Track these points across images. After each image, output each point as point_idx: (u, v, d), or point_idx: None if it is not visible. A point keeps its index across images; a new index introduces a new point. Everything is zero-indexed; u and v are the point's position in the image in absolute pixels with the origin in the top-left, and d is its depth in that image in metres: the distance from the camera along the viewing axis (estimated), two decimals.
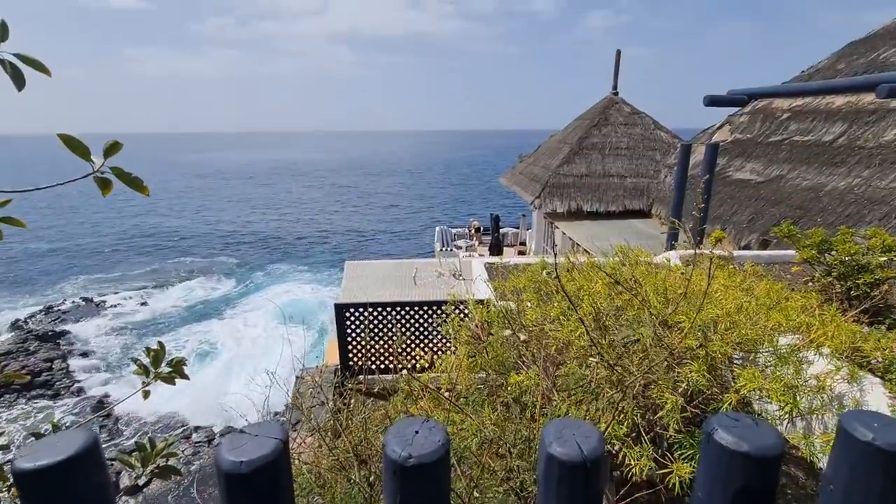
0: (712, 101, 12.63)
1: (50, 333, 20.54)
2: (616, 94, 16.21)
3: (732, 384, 2.37)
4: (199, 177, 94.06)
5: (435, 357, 3.07)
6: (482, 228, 22.92)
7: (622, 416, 1.50)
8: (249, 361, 18.39)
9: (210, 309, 24.02)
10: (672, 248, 5.32)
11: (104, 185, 1.59)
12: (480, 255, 18.47)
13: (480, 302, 3.58)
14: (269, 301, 23.98)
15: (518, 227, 22.28)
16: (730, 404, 1.92)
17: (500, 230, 20.80)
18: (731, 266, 3.21)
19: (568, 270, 2.90)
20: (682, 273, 2.46)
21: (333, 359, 6.28)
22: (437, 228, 22.53)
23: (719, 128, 12.30)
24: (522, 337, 2.00)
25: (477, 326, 2.44)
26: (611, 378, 1.43)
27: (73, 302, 24.56)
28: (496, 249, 19.32)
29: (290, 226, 45.24)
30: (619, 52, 15.75)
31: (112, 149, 1.58)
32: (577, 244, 10.97)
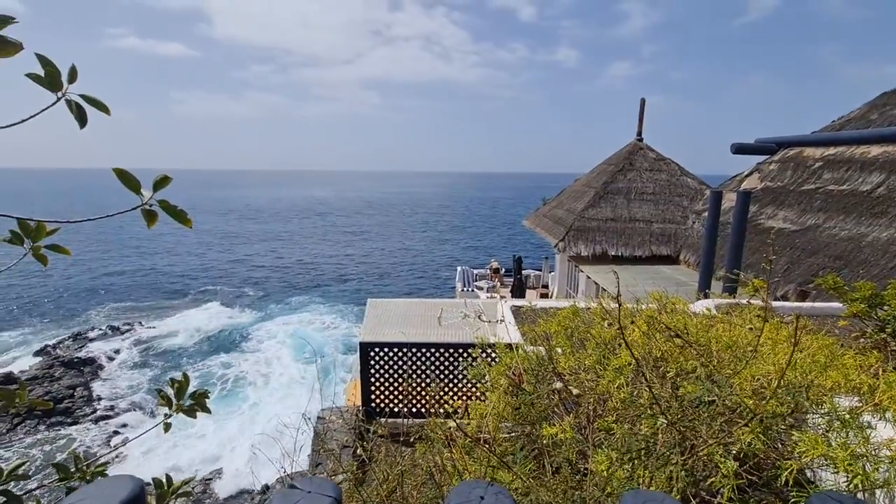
0: (739, 149, 12.57)
1: (75, 360, 20.93)
2: (641, 139, 16.32)
3: (784, 448, 2.18)
4: (230, 212, 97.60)
5: (462, 402, 2.94)
6: (502, 270, 22.80)
7: (681, 479, 1.37)
8: (264, 395, 18.24)
9: (230, 341, 24.21)
10: (706, 295, 5.12)
11: (150, 217, 1.63)
12: (502, 297, 18.24)
13: (510, 346, 3.47)
14: (288, 335, 24.06)
15: (540, 270, 22.08)
16: (790, 472, 1.75)
17: (523, 272, 20.64)
18: (777, 318, 3.05)
19: (624, 321, 2.80)
20: (751, 327, 2.32)
21: (354, 399, 6.14)
22: (459, 269, 22.53)
23: (748, 175, 12.16)
24: (575, 391, 1.89)
25: (515, 374, 2.33)
26: (673, 439, 1.31)
27: (101, 330, 25.12)
28: (518, 291, 19.10)
29: (312, 261, 45.99)
30: (643, 100, 16.00)
31: (161, 182, 1.63)
32: (603, 288, 10.73)
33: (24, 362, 20.80)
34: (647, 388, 1.43)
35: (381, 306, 8.20)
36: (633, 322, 2.84)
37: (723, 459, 1.51)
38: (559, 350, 3.31)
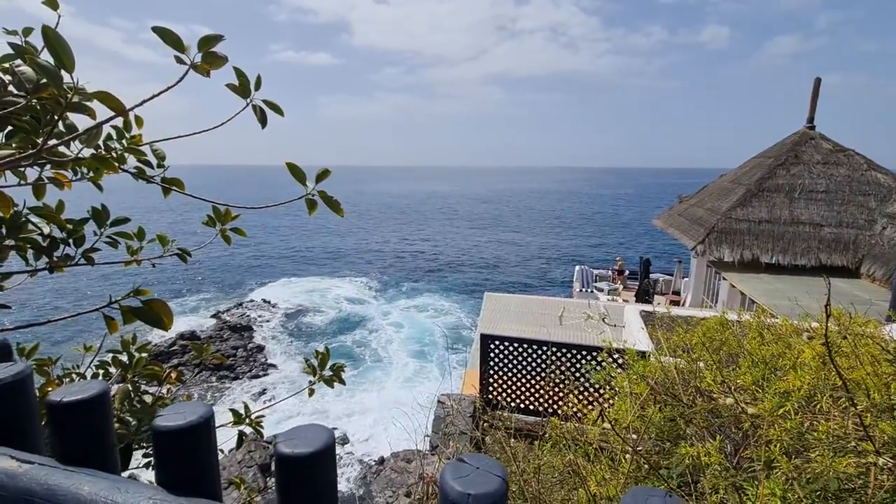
0: None
1: (238, 326, 24.92)
2: (812, 127, 13.76)
3: None
4: (360, 204, 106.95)
5: (585, 406, 2.81)
6: (627, 271, 21.23)
7: None
8: (383, 374, 19.69)
9: (357, 322, 26.60)
10: None
11: (311, 205, 1.85)
12: (624, 301, 17.02)
13: (642, 354, 3.21)
14: (406, 320, 25.62)
15: (671, 274, 20.08)
16: None
17: (651, 276, 19.00)
18: None
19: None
20: None
21: (468, 388, 6.29)
22: (577, 268, 21.53)
23: None
24: (751, 410, 1.67)
25: (657, 384, 2.15)
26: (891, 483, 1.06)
27: (257, 302, 29.57)
28: (645, 296, 17.65)
29: (430, 251, 48.15)
30: (818, 81, 13.45)
31: (322, 175, 1.82)
32: (753, 300, 9.33)
33: (203, 322, 25.47)
34: (854, 419, 1.17)
35: (497, 300, 8.25)
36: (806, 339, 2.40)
37: None
38: (701, 364, 2.97)
